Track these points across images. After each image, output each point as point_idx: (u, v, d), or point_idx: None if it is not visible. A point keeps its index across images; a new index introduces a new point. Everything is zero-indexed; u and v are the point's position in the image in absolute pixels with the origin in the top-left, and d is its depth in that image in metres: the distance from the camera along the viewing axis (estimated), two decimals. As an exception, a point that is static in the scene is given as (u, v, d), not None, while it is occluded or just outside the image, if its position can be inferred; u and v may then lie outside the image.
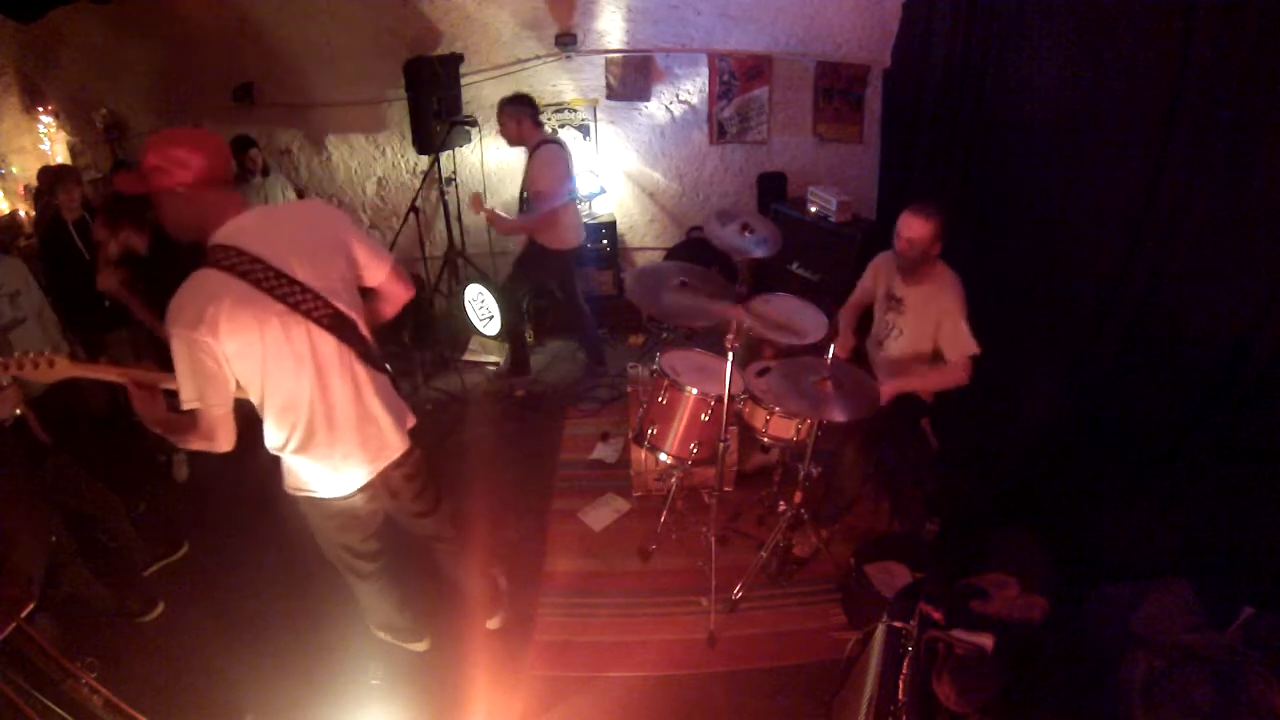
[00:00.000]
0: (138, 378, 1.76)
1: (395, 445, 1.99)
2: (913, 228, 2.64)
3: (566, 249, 3.98)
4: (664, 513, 3.07)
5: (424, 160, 4.69)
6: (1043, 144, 3.13)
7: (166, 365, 1.77)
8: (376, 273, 1.91)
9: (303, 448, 1.82)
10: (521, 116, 3.73)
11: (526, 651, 2.60)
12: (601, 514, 3.27)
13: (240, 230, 1.67)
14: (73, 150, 4.99)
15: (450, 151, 4.63)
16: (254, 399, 1.75)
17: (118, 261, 3.08)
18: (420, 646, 2.53)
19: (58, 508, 2.61)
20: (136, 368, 1.82)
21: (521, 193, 4.04)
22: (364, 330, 1.86)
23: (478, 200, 3.79)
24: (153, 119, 4.83)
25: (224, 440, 1.70)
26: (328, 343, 1.76)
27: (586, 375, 4.47)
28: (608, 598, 2.82)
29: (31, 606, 1.85)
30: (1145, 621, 1.98)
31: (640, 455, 3.20)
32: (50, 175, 3.73)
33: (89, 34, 4.59)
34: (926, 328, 2.75)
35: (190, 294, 1.60)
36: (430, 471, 2.17)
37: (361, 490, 1.95)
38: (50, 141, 4.94)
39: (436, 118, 4.23)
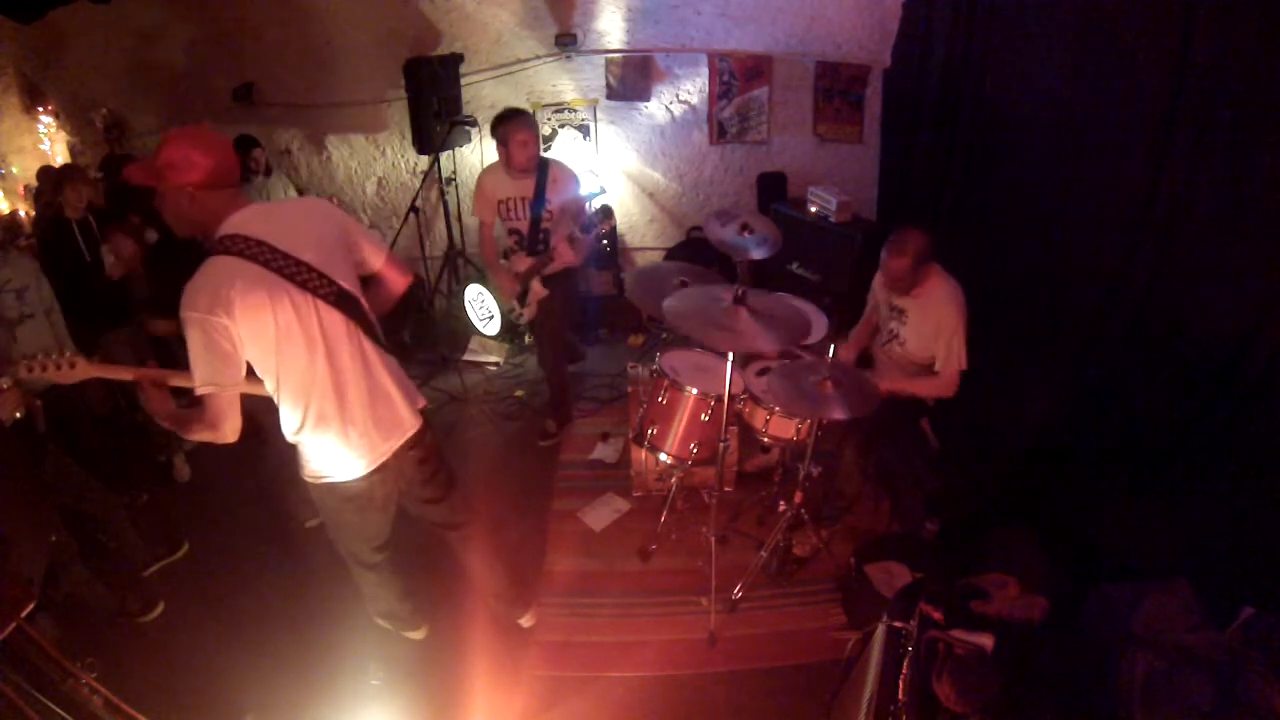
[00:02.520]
0: (151, 376, 1.84)
1: (408, 422, 2.03)
2: (891, 264, 2.70)
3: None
4: (664, 513, 3.07)
5: (424, 160, 4.70)
6: (1043, 144, 3.13)
7: (165, 364, 1.79)
8: (375, 259, 1.99)
9: (317, 427, 1.85)
10: (533, 134, 3.21)
11: (526, 651, 2.60)
12: (601, 514, 3.27)
13: (246, 220, 1.73)
14: (73, 150, 4.99)
15: (450, 151, 4.64)
16: (268, 381, 1.79)
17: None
18: (418, 635, 2.55)
19: (58, 508, 2.61)
20: (147, 368, 1.90)
21: (536, 222, 3.32)
22: (368, 310, 1.92)
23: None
24: (153, 119, 4.84)
25: (230, 429, 1.74)
26: (336, 319, 1.82)
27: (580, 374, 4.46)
28: (608, 598, 2.82)
29: (31, 606, 1.85)
30: (1145, 621, 1.98)
31: (640, 455, 3.20)
32: (53, 175, 3.74)
33: (89, 34, 4.60)
34: (928, 334, 2.75)
35: (204, 279, 1.66)
36: (442, 457, 2.19)
37: (377, 471, 1.97)
38: (50, 141, 4.94)
39: (436, 118, 4.23)
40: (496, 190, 3.30)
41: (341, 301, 1.82)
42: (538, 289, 3.39)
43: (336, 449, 1.90)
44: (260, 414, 2.79)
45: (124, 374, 1.88)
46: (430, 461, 2.12)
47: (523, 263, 3.38)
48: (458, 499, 2.28)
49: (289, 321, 1.73)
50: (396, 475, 2.04)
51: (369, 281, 2.00)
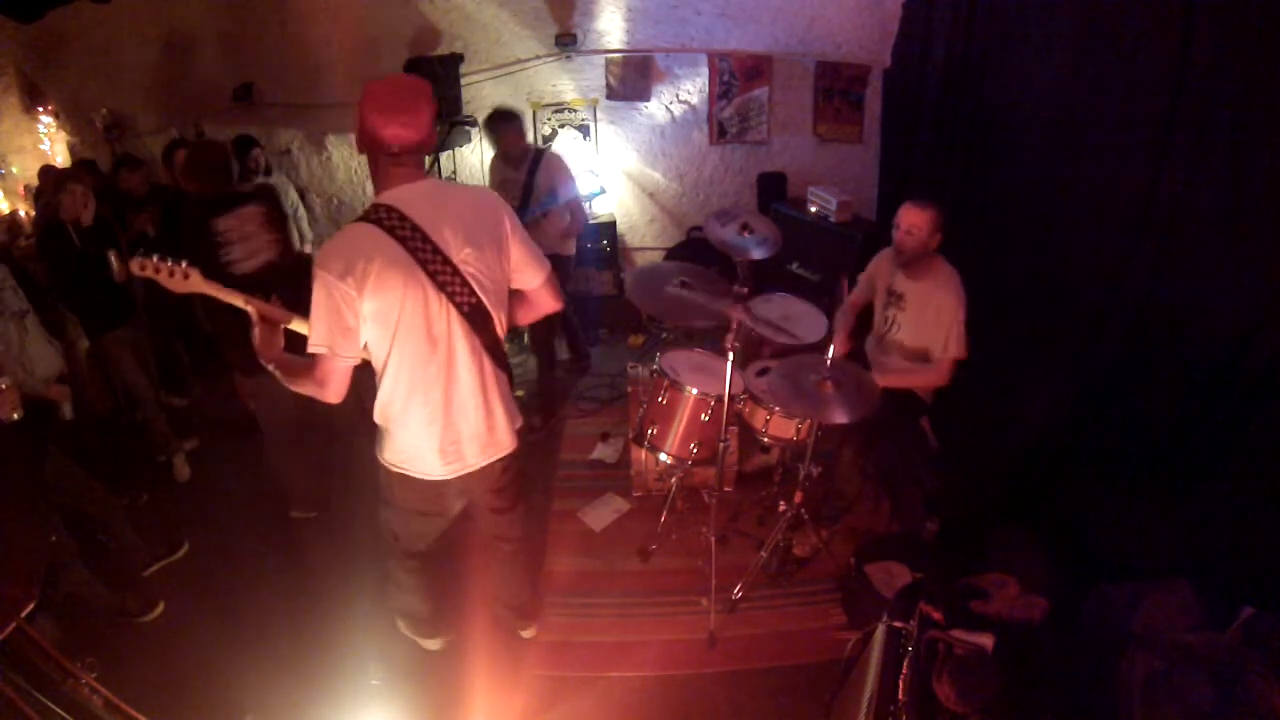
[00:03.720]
0: (265, 311, 1.77)
1: (506, 444, 1.99)
2: (910, 216, 2.67)
3: (570, 255, 3.96)
4: (664, 513, 3.07)
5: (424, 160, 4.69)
6: (1043, 144, 3.13)
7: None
8: (531, 279, 1.89)
9: (416, 424, 1.82)
10: (523, 129, 3.68)
11: (526, 651, 2.60)
12: (601, 514, 3.27)
13: (409, 196, 1.67)
14: (73, 150, 4.99)
15: (450, 151, 4.64)
16: (377, 360, 1.75)
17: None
18: (434, 645, 2.51)
19: (58, 508, 2.61)
20: (264, 302, 1.82)
21: (528, 203, 3.61)
22: (500, 328, 1.84)
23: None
24: (153, 119, 4.84)
25: (335, 391, 1.70)
26: (462, 330, 1.76)
27: (579, 374, 4.46)
28: (608, 598, 2.82)
29: (31, 606, 1.85)
30: (1145, 621, 1.98)
31: (640, 455, 3.20)
32: (55, 175, 3.74)
33: (89, 34, 4.60)
34: (926, 323, 2.76)
35: (345, 243, 1.62)
36: (521, 470, 2.16)
37: (461, 478, 1.94)
38: (50, 141, 4.94)
39: (436, 118, 4.22)
40: (496, 174, 3.76)
41: (475, 315, 1.75)
42: None
43: (426, 449, 1.86)
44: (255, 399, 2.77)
45: (237, 299, 1.81)
46: (510, 471, 2.09)
47: None
48: (522, 512, 2.25)
49: (415, 315, 1.67)
50: (476, 482, 2.01)
51: (515, 295, 1.91)
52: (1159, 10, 2.46)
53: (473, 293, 1.73)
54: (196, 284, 1.80)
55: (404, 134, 1.64)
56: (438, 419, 1.82)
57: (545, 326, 3.78)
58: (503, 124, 3.59)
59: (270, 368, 1.74)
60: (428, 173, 1.83)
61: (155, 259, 1.78)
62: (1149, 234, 2.61)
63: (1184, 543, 2.34)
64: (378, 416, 1.85)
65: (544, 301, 1.96)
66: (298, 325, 1.79)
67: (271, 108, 4.77)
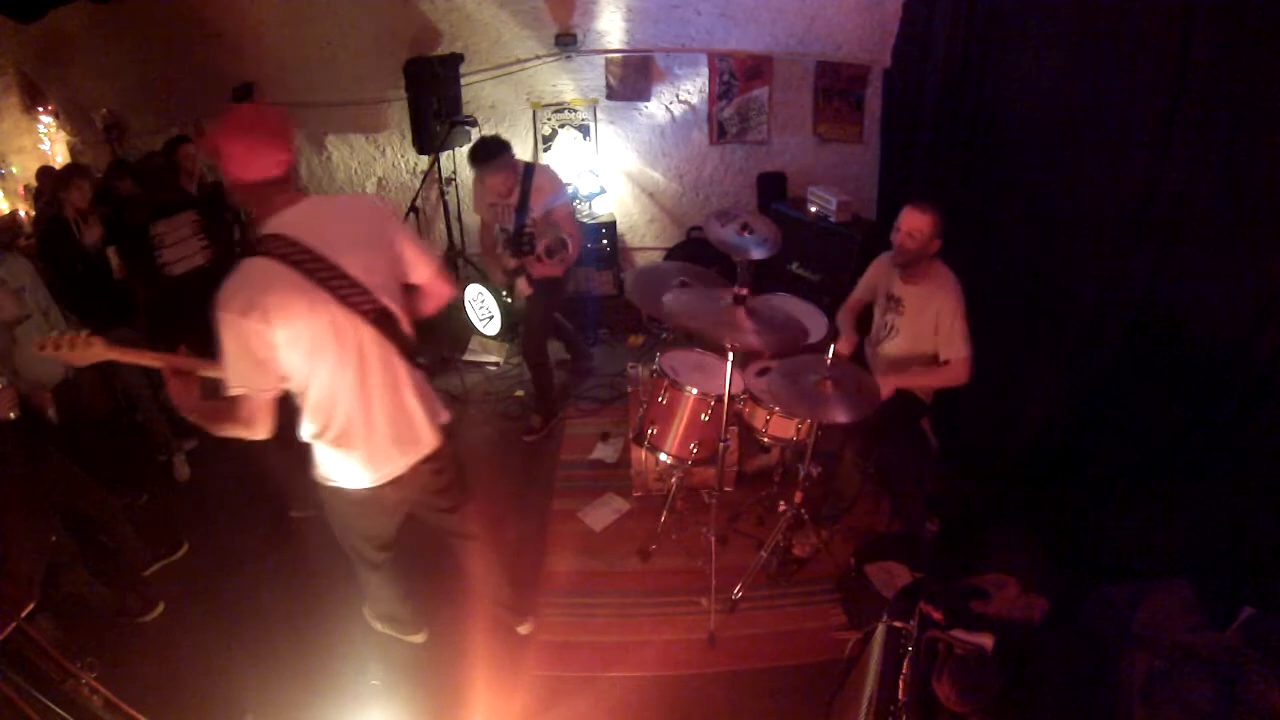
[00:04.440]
0: (175, 363, 1.76)
1: (428, 440, 2.00)
2: (912, 220, 2.67)
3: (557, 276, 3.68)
4: (664, 513, 3.07)
5: (424, 160, 4.70)
6: (1043, 144, 3.13)
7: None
8: (422, 271, 1.93)
9: (339, 440, 1.83)
10: (513, 163, 3.37)
11: (526, 651, 2.60)
12: (601, 514, 3.27)
13: (292, 220, 1.67)
14: (73, 150, 4.99)
15: (450, 151, 4.63)
16: (294, 388, 1.75)
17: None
18: (418, 638, 2.55)
19: (58, 508, 2.61)
20: (172, 354, 1.79)
21: (519, 227, 3.43)
22: (405, 325, 1.87)
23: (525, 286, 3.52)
24: (153, 119, 4.84)
25: (263, 427, 1.69)
26: (371, 337, 1.77)
27: (579, 375, 4.46)
28: (608, 598, 2.83)
29: (31, 606, 1.85)
30: (1145, 621, 1.98)
31: (640, 455, 3.20)
32: (56, 174, 3.74)
33: (89, 34, 4.60)
34: (925, 328, 2.75)
35: (243, 280, 1.61)
36: (459, 468, 2.17)
37: (391, 483, 1.96)
38: (50, 141, 4.94)
39: (436, 118, 4.23)
40: (487, 194, 3.51)
41: (380, 319, 1.77)
42: (523, 287, 3.53)
43: (351, 460, 1.88)
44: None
45: (145, 359, 1.79)
46: (446, 473, 2.10)
47: (509, 261, 3.53)
48: (471, 509, 2.26)
49: (324, 335, 1.69)
50: (409, 485, 2.02)
51: (410, 289, 1.95)
52: (1159, 10, 2.46)
53: (374, 299, 1.75)
54: (101, 351, 1.75)
55: (275, 160, 1.66)
56: (359, 429, 1.84)
57: (532, 332, 3.74)
58: (484, 163, 3.29)
59: (193, 419, 1.73)
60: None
61: (55, 335, 1.76)
62: (1149, 234, 2.61)
63: (1184, 543, 2.34)
64: (306, 436, 1.87)
65: (440, 290, 2.00)
66: (210, 371, 1.77)
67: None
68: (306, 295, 1.64)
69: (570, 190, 3.80)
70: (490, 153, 3.29)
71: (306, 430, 1.85)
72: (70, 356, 1.74)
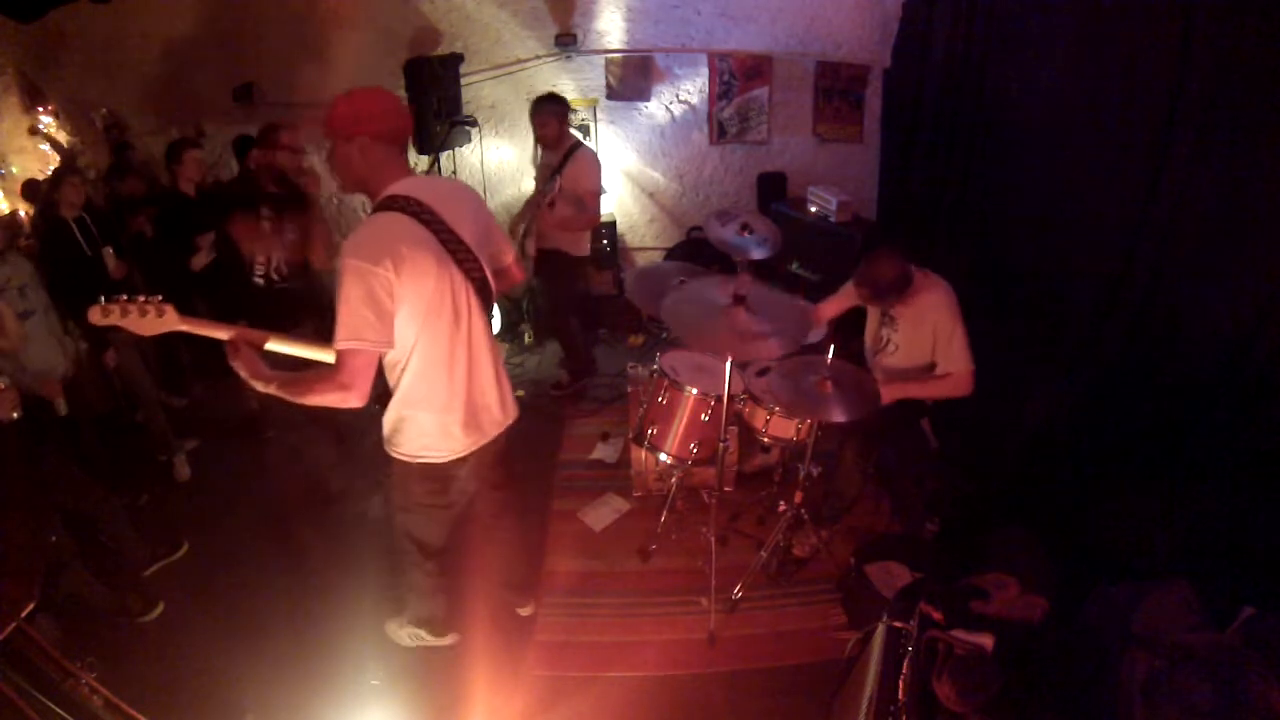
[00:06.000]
0: (245, 335, 1.74)
1: (513, 412, 2.09)
2: (869, 276, 2.60)
3: (584, 256, 3.98)
4: (664, 513, 3.07)
5: (424, 160, 4.69)
6: (1043, 144, 3.13)
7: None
8: (507, 254, 2.06)
9: (441, 404, 1.86)
10: (562, 117, 3.72)
11: (526, 651, 2.60)
12: (601, 514, 3.27)
13: (413, 186, 1.74)
14: (73, 150, 4.98)
15: (450, 151, 4.63)
16: (399, 352, 1.75)
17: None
18: (449, 640, 2.52)
19: (58, 508, 2.61)
20: (238, 326, 1.76)
21: (550, 185, 3.74)
22: (493, 300, 1.95)
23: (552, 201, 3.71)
24: (153, 119, 4.83)
25: (363, 391, 1.65)
26: (477, 305, 1.85)
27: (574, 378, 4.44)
28: (608, 598, 2.82)
29: (31, 606, 1.85)
30: (1145, 621, 1.98)
31: (640, 455, 3.20)
32: (52, 175, 3.74)
33: (89, 34, 4.59)
34: (922, 341, 2.71)
35: (376, 230, 1.66)
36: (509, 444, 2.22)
37: (476, 453, 1.99)
38: (50, 141, 4.93)
39: (436, 118, 4.23)
40: (537, 158, 3.95)
41: (482, 289, 1.85)
42: (530, 248, 3.83)
43: (450, 426, 1.90)
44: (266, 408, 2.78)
45: (215, 330, 1.73)
46: (504, 444, 2.16)
47: (523, 217, 3.87)
48: (515, 488, 2.34)
49: (444, 294, 1.74)
50: (482, 460, 2.06)
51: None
52: (1159, 10, 2.47)
53: (482, 269, 1.84)
54: (172, 320, 1.68)
55: (402, 123, 1.78)
56: (461, 393, 1.88)
57: (547, 309, 4.19)
58: (537, 107, 3.69)
59: (271, 389, 1.69)
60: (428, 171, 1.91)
61: (122, 301, 1.65)
62: (1149, 234, 2.61)
63: (1184, 543, 2.33)
64: (398, 407, 1.87)
65: (514, 274, 2.13)
66: (275, 344, 1.74)
67: (271, 108, 4.76)
68: (434, 252, 1.70)
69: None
70: (548, 98, 3.73)
71: (405, 400, 1.84)
72: (139, 325, 1.68)
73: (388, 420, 1.92)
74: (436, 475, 1.98)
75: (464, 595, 2.52)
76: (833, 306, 2.98)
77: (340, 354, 1.62)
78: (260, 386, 1.71)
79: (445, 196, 1.79)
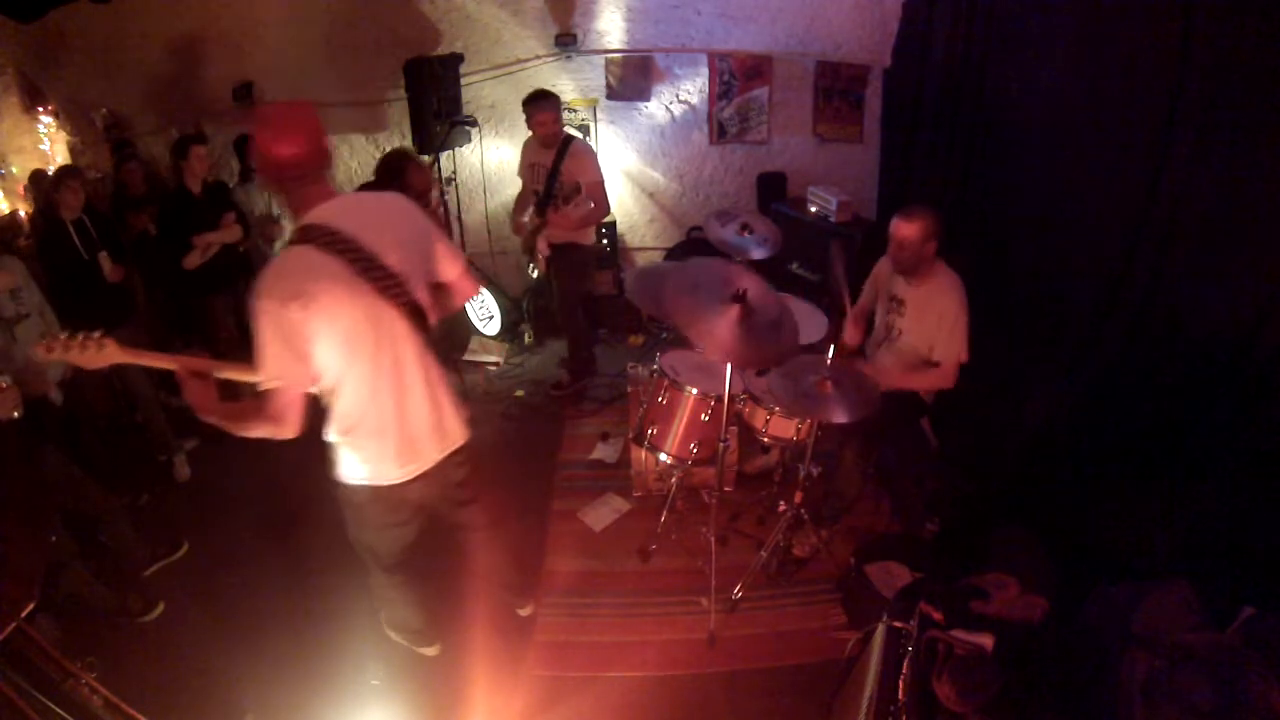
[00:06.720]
0: (191, 365, 1.73)
1: (458, 434, 2.03)
2: (900, 230, 2.65)
3: (594, 245, 4.06)
4: (664, 513, 3.07)
5: (424, 160, 4.69)
6: (1043, 144, 3.13)
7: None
8: (451, 268, 1.95)
9: (371, 433, 1.83)
10: (553, 113, 3.72)
11: (526, 651, 2.60)
12: (601, 514, 3.27)
13: (331, 212, 1.69)
14: (73, 150, 4.99)
15: (450, 151, 4.63)
16: (328, 382, 1.74)
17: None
18: (431, 651, 2.52)
19: (58, 508, 2.61)
20: (186, 355, 1.77)
21: (549, 189, 3.72)
22: (432, 321, 1.88)
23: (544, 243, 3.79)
24: (153, 119, 4.83)
25: (293, 423, 1.66)
26: (405, 331, 1.79)
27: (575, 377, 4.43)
28: (608, 598, 2.82)
29: (31, 606, 1.85)
30: (1145, 621, 1.98)
31: (640, 455, 3.20)
32: (53, 175, 3.74)
33: (89, 34, 4.59)
34: (927, 329, 2.74)
35: (282, 269, 1.61)
36: (473, 460, 2.18)
37: (420, 477, 1.96)
38: (50, 141, 4.93)
39: (436, 118, 4.23)
40: (527, 155, 3.88)
41: (413, 313, 1.78)
42: (543, 245, 3.80)
43: (384, 455, 1.87)
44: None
45: (158, 361, 1.75)
46: (467, 464, 2.13)
47: (534, 219, 3.79)
48: (487, 499, 2.28)
49: (363, 326, 1.68)
50: (434, 480, 2.02)
51: (438, 286, 1.96)
52: (1159, 10, 2.47)
53: (408, 292, 1.76)
54: (114, 353, 1.69)
55: (307, 151, 1.67)
56: (391, 423, 1.84)
57: (559, 304, 4.11)
58: (532, 104, 3.67)
59: (213, 420, 1.70)
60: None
61: (63, 337, 1.67)
62: (1149, 234, 2.61)
63: (1184, 543, 2.33)
64: (333, 435, 1.86)
65: (466, 288, 2.02)
66: (228, 373, 1.75)
67: (271, 108, 4.77)
68: (347, 284, 1.64)
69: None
70: (543, 94, 3.70)
71: (337, 428, 1.83)
72: (80, 359, 1.69)
73: (333, 440, 1.90)
74: (384, 497, 1.96)
75: (446, 608, 2.52)
76: (866, 299, 3.03)
77: (267, 392, 1.63)
78: (204, 416, 1.71)
79: (368, 221, 1.72)
